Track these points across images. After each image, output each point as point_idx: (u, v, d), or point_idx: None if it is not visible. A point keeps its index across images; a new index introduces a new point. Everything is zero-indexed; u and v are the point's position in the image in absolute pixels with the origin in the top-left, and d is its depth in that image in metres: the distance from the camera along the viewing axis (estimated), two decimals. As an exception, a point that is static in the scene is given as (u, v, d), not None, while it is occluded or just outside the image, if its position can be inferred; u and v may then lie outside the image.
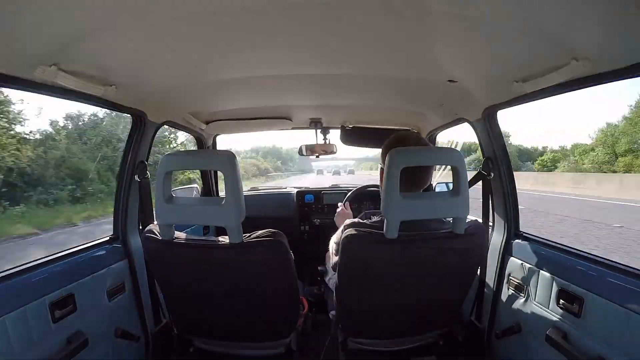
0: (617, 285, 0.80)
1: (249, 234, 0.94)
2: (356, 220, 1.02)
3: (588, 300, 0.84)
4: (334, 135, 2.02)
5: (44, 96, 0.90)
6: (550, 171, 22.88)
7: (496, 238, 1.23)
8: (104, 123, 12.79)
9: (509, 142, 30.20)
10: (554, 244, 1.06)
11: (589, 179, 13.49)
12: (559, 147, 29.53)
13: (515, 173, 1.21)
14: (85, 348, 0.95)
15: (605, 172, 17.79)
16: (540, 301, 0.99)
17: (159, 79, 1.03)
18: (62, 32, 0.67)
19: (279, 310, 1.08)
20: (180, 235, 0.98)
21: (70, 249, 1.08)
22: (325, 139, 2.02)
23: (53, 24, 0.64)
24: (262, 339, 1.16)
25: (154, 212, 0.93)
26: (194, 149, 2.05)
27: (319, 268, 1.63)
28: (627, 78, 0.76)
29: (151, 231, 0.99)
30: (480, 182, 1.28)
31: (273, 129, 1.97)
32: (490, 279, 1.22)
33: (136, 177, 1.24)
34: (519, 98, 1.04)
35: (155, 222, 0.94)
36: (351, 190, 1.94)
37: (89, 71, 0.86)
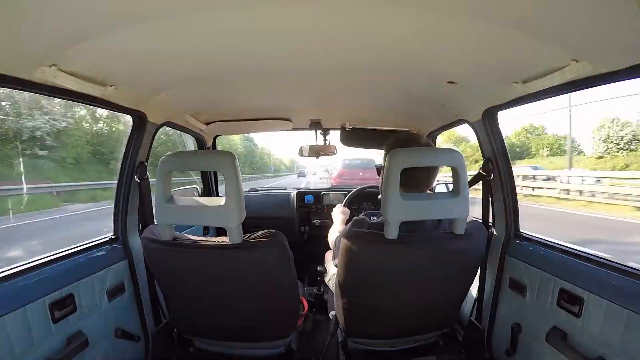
0: (617, 285, 0.80)
1: (249, 235, 0.94)
2: (361, 216, 1.02)
3: (588, 300, 0.84)
4: (334, 136, 2.03)
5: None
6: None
7: (496, 238, 1.23)
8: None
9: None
10: (553, 244, 1.06)
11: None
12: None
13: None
14: (85, 348, 0.95)
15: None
16: (540, 301, 1.00)
17: (159, 80, 1.03)
18: (62, 32, 0.67)
19: (279, 310, 1.08)
20: (180, 235, 0.98)
21: (70, 249, 1.08)
22: (325, 140, 2.02)
23: (53, 24, 0.64)
24: (262, 339, 1.16)
25: (154, 212, 0.93)
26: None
27: (318, 268, 1.63)
28: (627, 79, 0.76)
29: (151, 231, 0.99)
30: (480, 183, 1.28)
31: (273, 129, 1.98)
32: (490, 279, 1.22)
33: (136, 178, 1.24)
34: (519, 99, 1.04)
35: (155, 223, 0.94)
36: (351, 191, 1.94)
37: (89, 72, 0.86)
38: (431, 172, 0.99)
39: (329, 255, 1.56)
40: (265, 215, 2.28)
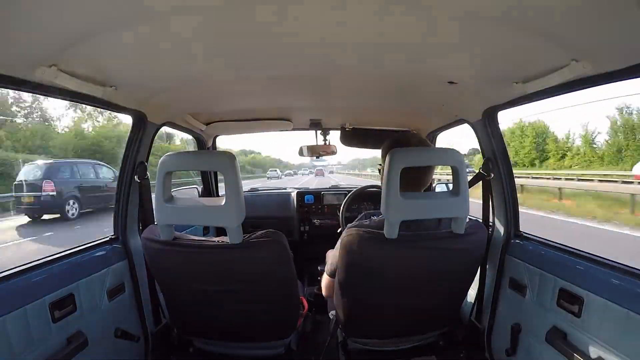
0: (617, 285, 0.80)
1: (248, 235, 0.94)
2: (356, 223, 1.02)
3: (588, 300, 0.84)
4: (334, 136, 2.03)
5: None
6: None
7: (496, 238, 1.23)
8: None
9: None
10: (553, 244, 1.06)
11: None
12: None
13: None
14: (85, 348, 0.95)
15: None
16: (540, 301, 1.00)
17: (159, 80, 1.03)
18: (62, 33, 0.67)
19: (279, 310, 1.08)
20: (180, 235, 0.98)
21: (71, 249, 1.08)
22: (325, 140, 2.02)
23: (53, 24, 0.64)
24: (262, 339, 1.16)
25: (154, 212, 0.93)
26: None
27: (319, 268, 1.63)
28: (627, 79, 0.76)
29: (151, 231, 0.99)
30: (480, 183, 1.28)
31: (273, 130, 1.98)
32: (490, 279, 1.22)
33: (136, 178, 1.24)
34: (519, 99, 1.04)
35: (155, 223, 0.94)
36: (351, 191, 1.94)
37: (89, 72, 0.86)
38: (428, 171, 0.99)
39: (329, 254, 1.57)
40: (265, 215, 2.28)
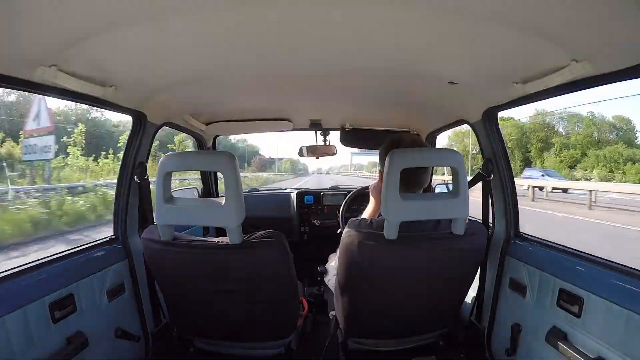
0: (617, 285, 0.80)
1: (248, 235, 0.94)
2: (358, 218, 1.02)
3: (588, 300, 0.84)
4: (334, 136, 2.03)
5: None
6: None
7: (496, 238, 1.23)
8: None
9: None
10: (553, 244, 1.06)
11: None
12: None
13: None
14: (85, 348, 0.95)
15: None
16: (540, 301, 1.00)
17: (159, 80, 1.03)
18: (62, 33, 0.67)
19: (279, 310, 1.08)
20: (180, 236, 0.98)
21: (70, 249, 1.08)
22: (325, 140, 2.02)
23: (53, 24, 0.64)
24: (262, 339, 1.17)
25: (154, 212, 0.93)
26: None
27: (319, 268, 1.63)
28: (627, 79, 0.76)
29: (151, 232, 0.99)
30: (480, 183, 1.28)
31: (273, 130, 1.98)
32: (490, 279, 1.22)
33: (136, 178, 1.24)
34: (519, 99, 1.04)
35: (155, 223, 0.94)
36: (351, 191, 1.94)
37: (89, 72, 0.86)
38: (426, 172, 0.99)
39: (332, 256, 1.57)
40: (265, 216, 2.28)
